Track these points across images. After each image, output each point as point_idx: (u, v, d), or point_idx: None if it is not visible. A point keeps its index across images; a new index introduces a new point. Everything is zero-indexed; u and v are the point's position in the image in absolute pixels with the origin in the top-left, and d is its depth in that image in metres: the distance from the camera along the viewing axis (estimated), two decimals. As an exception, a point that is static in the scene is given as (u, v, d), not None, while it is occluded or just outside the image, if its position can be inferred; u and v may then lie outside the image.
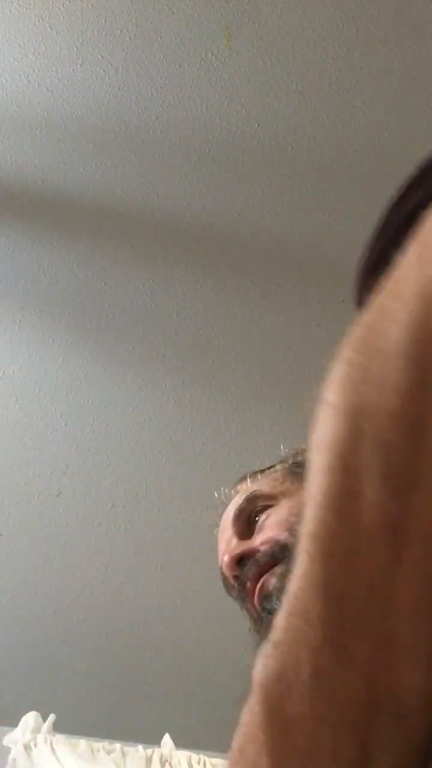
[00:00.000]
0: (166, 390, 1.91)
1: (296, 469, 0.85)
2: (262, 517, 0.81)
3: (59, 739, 2.14)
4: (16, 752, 2.09)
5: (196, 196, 1.62)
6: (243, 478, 0.87)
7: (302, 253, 1.72)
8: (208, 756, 2.14)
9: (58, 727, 2.17)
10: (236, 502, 0.85)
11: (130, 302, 1.78)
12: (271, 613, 0.72)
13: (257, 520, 0.82)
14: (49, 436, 1.99)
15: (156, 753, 2.16)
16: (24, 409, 1.95)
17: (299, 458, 0.85)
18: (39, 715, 2.17)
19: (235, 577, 0.80)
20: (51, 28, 1.41)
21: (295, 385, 1.89)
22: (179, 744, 2.19)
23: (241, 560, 0.79)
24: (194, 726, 2.28)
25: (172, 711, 2.35)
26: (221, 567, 0.84)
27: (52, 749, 2.11)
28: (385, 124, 1.52)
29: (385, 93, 1.49)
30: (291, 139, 1.54)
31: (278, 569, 0.74)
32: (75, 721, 2.24)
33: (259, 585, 0.75)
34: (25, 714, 2.18)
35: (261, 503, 0.83)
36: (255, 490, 0.85)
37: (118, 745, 2.18)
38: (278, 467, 0.86)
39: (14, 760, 2.09)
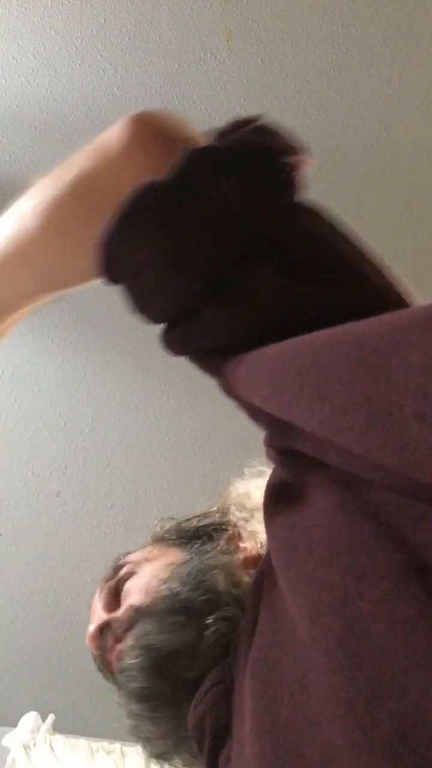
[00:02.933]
0: (165, 390, 1.91)
1: (164, 536, 0.83)
2: (127, 585, 0.78)
3: (59, 739, 2.13)
4: (16, 752, 2.09)
5: (195, 196, 1.62)
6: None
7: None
8: (208, 756, 2.14)
9: (57, 727, 2.17)
10: (103, 577, 0.83)
11: (130, 302, 1.78)
12: (124, 671, 0.69)
13: (122, 591, 0.79)
14: (48, 436, 1.99)
15: (155, 753, 2.16)
16: (23, 409, 1.95)
17: (165, 526, 0.84)
18: (38, 715, 2.17)
19: (99, 650, 0.76)
20: (50, 28, 1.41)
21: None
22: (179, 744, 2.19)
23: (101, 632, 0.76)
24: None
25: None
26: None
27: (52, 749, 2.11)
28: (385, 124, 1.52)
29: (385, 93, 1.48)
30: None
31: (133, 632, 0.70)
32: (74, 721, 2.24)
33: (116, 652, 0.72)
34: (24, 714, 2.18)
35: (125, 571, 0.80)
36: (119, 559, 0.82)
37: (117, 745, 2.17)
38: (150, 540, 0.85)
39: (14, 760, 2.08)
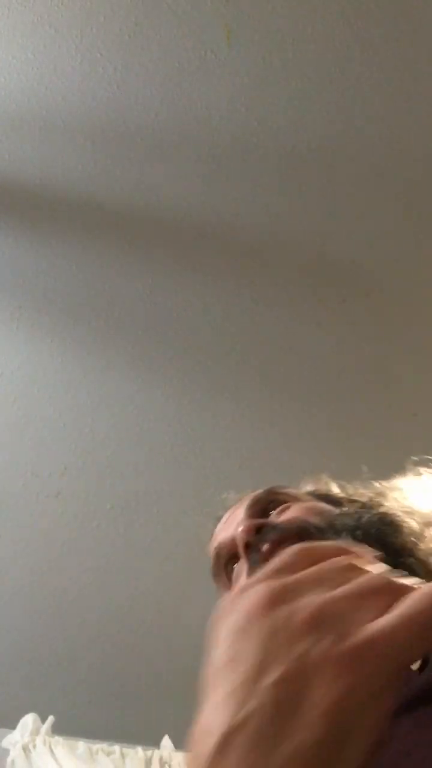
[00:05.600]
0: (165, 390, 1.91)
1: (314, 492, 0.85)
2: (279, 509, 0.79)
3: (58, 741, 2.13)
4: (15, 754, 2.09)
5: (195, 195, 1.61)
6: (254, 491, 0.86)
7: (302, 253, 1.71)
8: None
9: (57, 729, 2.16)
10: (252, 494, 0.83)
11: (130, 302, 1.78)
12: None
13: (272, 513, 0.80)
14: (47, 437, 1.98)
15: (155, 755, 2.16)
16: (22, 410, 1.94)
17: (322, 488, 0.86)
18: (38, 716, 2.16)
19: (247, 546, 0.76)
20: (50, 27, 1.40)
21: (295, 385, 1.89)
22: (179, 746, 2.18)
23: (259, 530, 0.76)
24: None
25: (171, 712, 2.34)
26: (223, 543, 0.81)
27: (51, 751, 2.10)
28: (385, 123, 1.52)
29: (385, 93, 1.48)
30: (291, 138, 1.54)
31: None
32: (74, 723, 2.23)
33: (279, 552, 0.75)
34: (23, 716, 2.17)
35: (280, 497, 0.81)
36: (275, 486, 0.83)
37: (117, 747, 2.17)
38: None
39: (13, 761, 2.08)
